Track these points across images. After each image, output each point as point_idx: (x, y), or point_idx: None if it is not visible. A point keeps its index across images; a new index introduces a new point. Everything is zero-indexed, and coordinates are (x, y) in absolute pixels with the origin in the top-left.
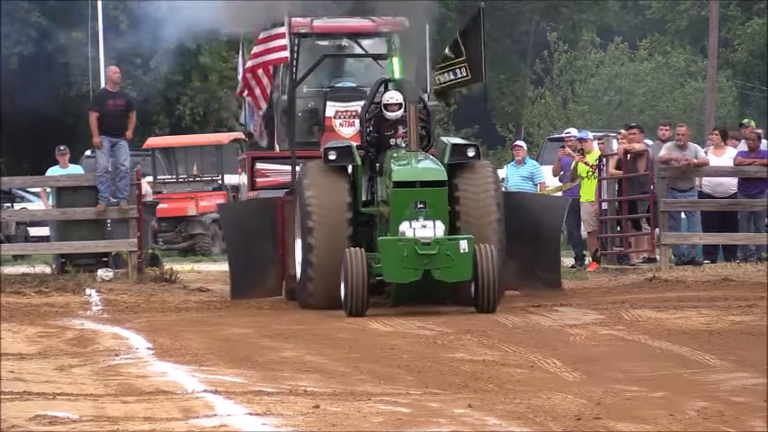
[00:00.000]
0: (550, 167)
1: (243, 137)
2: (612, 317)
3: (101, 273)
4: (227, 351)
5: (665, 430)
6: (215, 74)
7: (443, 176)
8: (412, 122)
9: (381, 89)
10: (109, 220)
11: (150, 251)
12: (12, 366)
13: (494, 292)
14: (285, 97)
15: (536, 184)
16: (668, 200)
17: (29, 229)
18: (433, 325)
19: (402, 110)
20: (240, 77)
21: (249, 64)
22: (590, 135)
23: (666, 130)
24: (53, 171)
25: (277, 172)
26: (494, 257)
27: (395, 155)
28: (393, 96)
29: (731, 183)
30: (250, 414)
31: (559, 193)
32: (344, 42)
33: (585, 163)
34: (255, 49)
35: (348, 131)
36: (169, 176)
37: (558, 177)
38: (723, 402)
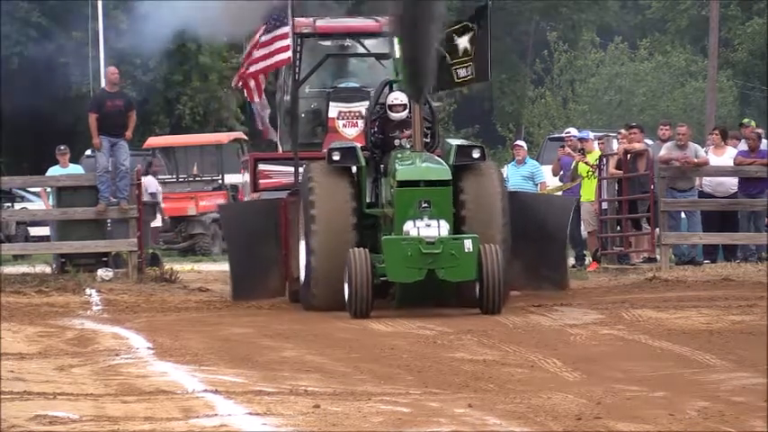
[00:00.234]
0: (550, 167)
1: (243, 137)
2: (613, 317)
3: (101, 273)
4: (228, 351)
5: (666, 430)
6: (215, 74)
7: (448, 176)
8: (417, 123)
9: (386, 90)
10: (109, 220)
11: (150, 251)
12: (12, 366)
13: (499, 293)
14: (288, 98)
15: (536, 184)
16: (668, 200)
17: (29, 228)
18: (433, 325)
19: (407, 111)
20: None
21: (251, 69)
22: (591, 135)
23: (667, 129)
24: (53, 171)
25: (280, 173)
26: (499, 258)
27: (399, 155)
28: (398, 97)
29: (732, 182)
30: (250, 414)
31: (559, 193)
32: (347, 42)
33: (586, 163)
34: (256, 54)
35: (351, 132)
36: (169, 176)
37: (558, 177)
38: (723, 402)
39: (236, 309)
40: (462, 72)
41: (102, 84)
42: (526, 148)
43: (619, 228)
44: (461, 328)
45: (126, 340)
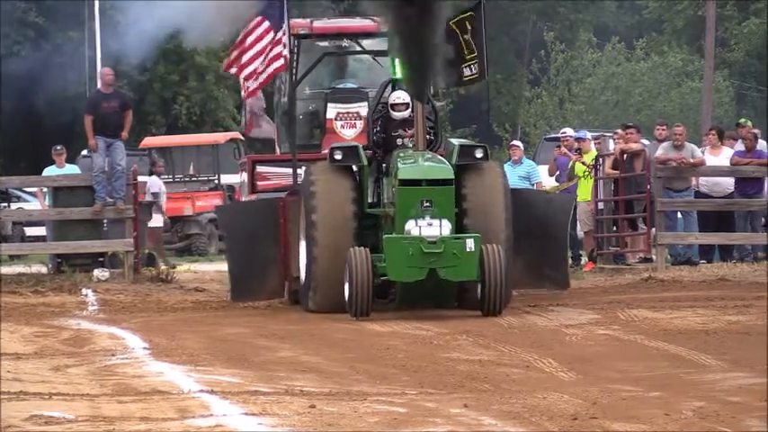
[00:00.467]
0: (547, 167)
1: (239, 137)
2: (608, 317)
3: (97, 273)
4: (224, 351)
5: (661, 430)
6: (212, 73)
7: (450, 175)
8: (419, 121)
9: (388, 89)
10: (105, 221)
11: (146, 251)
12: (8, 366)
13: (501, 294)
14: (285, 99)
15: (533, 184)
16: (664, 200)
17: (25, 228)
18: (429, 325)
19: (409, 110)
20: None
21: (247, 70)
22: (588, 135)
23: (663, 129)
24: (50, 171)
25: (278, 175)
26: (501, 258)
27: (401, 154)
28: (400, 96)
29: (728, 182)
30: (246, 414)
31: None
32: (345, 43)
33: (583, 163)
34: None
35: (349, 133)
36: (165, 176)
37: (554, 177)
38: (719, 402)
39: (232, 309)
40: (467, 71)
41: (99, 84)
42: (522, 148)
43: (615, 228)
44: (457, 329)
45: (122, 340)
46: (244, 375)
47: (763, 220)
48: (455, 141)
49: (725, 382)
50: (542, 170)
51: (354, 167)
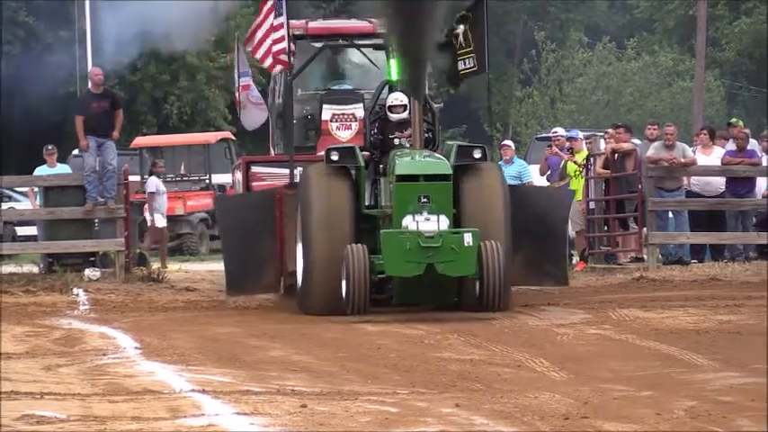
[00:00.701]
0: (538, 167)
1: (230, 136)
2: (600, 316)
3: (88, 272)
4: (215, 350)
5: (653, 429)
6: (202, 73)
7: (448, 170)
8: (417, 121)
9: (385, 90)
10: (96, 220)
11: (137, 251)
12: None
13: (500, 291)
14: (280, 101)
15: (524, 184)
16: (656, 199)
17: (16, 228)
18: (420, 324)
19: (407, 112)
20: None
21: (267, 64)
22: (579, 134)
23: (654, 129)
24: (41, 170)
25: (273, 175)
26: (500, 254)
27: (398, 153)
28: (398, 98)
29: (720, 182)
30: (237, 413)
31: None
32: (340, 44)
33: (574, 162)
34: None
35: (345, 135)
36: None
37: (545, 177)
38: (710, 402)
39: (223, 309)
40: (462, 64)
41: (89, 84)
42: (514, 147)
43: (606, 227)
44: (448, 328)
45: (113, 340)
46: (235, 375)
47: (754, 219)
48: (453, 142)
49: (716, 381)
50: (533, 170)
51: (351, 169)
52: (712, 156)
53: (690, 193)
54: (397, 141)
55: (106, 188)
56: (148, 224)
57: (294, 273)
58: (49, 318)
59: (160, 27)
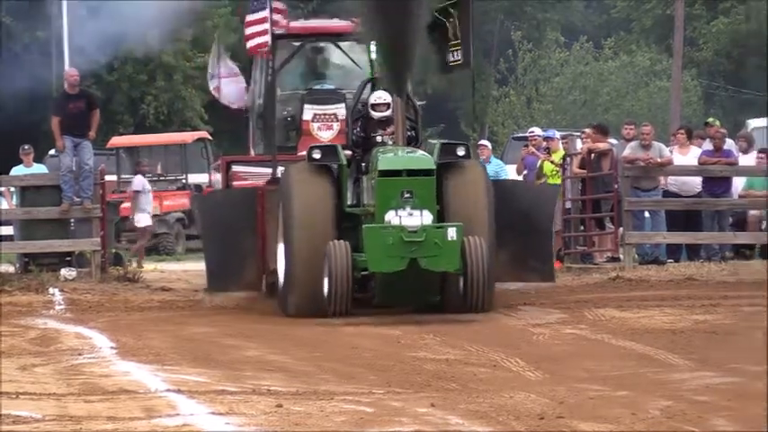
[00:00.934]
0: (514, 166)
1: (207, 136)
2: (576, 316)
3: (64, 272)
4: (190, 350)
5: (628, 429)
6: (179, 73)
7: (431, 165)
8: (399, 117)
9: (368, 88)
10: (72, 220)
11: (113, 250)
12: None
13: (484, 288)
14: (261, 101)
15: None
16: (632, 199)
17: None
18: (396, 324)
19: (390, 110)
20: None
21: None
22: (556, 134)
23: (631, 129)
24: (17, 170)
25: (254, 175)
26: (484, 250)
27: (381, 149)
28: (381, 96)
29: (697, 182)
30: (213, 413)
31: None
32: (322, 44)
33: (551, 162)
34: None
35: (326, 135)
36: (131, 176)
37: (521, 176)
38: (686, 401)
39: (199, 308)
40: (451, 56)
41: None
42: (490, 147)
43: (582, 227)
44: (424, 328)
45: (89, 340)
46: (210, 375)
47: (730, 219)
48: (436, 141)
49: (692, 381)
50: (510, 169)
51: (333, 168)
52: (689, 155)
53: (667, 193)
54: (379, 139)
55: (82, 188)
56: (135, 223)
57: (276, 271)
58: (24, 317)
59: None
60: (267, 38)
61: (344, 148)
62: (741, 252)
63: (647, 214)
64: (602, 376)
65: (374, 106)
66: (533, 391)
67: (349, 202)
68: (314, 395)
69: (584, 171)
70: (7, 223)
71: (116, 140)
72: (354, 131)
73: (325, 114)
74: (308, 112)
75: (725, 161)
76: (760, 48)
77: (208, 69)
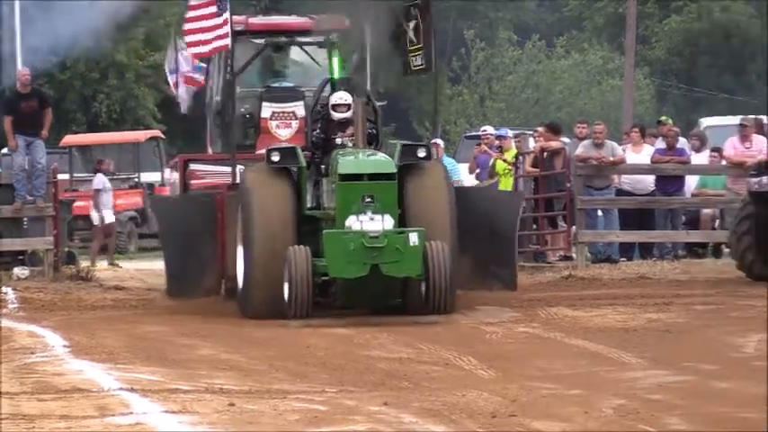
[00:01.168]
0: (467, 165)
1: (160, 135)
2: (529, 314)
3: (17, 271)
4: (144, 349)
5: (581, 428)
6: (132, 72)
7: (392, 169)
8: (359, 119)
9: (327, 89)
10: (25, 219)
11: (66, 249)
12: None
13: (446, 292)
14: (218, 98)
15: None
16: (584, 198)
17: None
18: (349, 323)
19: (350, 111)
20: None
21: (193, 51)
22: (509, 133)
23: (584, 128)
24: None
25: (212, 173)
26: (446, 255)
27: (341, 152)
28: (342, 97)
29: (651, 180)
30: (166, 412)
31: None
32: (282, 41)
33: (504, 160)
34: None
35: (285, 133)
36: (86, 174)
37: (473, 175)
38: (639, 400)
39: (152, 307)
40: (412, 61)
41: (17, 84)
42: (443, 145)
43: (535, 226)
44: (378, 327)
45: (42, 338)
46: (164, 373)
47: (683, 218)
48: (397, 142)
49: (645, 379)
50: (463, 168)
51: (293, 170)
52: (642, 154)
53: (621, 192)
54: (339, 141)
55: (35, 187)
56: (95, 222)
57: (235, 277)
58: None
59: (84, 26)
60: (227, 41)
61: (303, 149)
62: (694, 250)
63: (599, 213)
64: (555, 375)
65: (335, 107)
66: (486, 390)
67: (309, 205)
68: (267, 394)
69: (537, 170)
70: None
71: (69, 139)
72: (314, 133)
73: (283, 112)
74: (267, 109)
75: (678, 160)
76: (711, 46)
77: (165, 63)
